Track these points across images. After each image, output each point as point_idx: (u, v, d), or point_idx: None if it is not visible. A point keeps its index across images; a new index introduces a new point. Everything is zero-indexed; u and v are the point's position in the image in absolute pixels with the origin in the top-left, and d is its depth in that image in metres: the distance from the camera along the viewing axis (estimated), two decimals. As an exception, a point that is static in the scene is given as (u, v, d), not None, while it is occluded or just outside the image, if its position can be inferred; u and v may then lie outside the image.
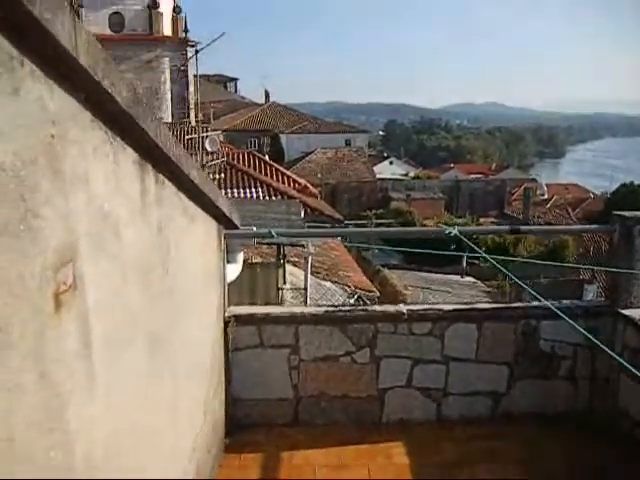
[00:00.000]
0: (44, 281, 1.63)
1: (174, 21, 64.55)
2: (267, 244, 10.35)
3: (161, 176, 2.74)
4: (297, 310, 4.95)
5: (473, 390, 4.99)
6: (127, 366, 2.33)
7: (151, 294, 2.66)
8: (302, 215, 13.39)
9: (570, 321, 3.58)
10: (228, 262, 4.29)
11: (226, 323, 4.53)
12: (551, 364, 4.99)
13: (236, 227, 4.35)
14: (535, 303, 4.98)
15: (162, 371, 2.86)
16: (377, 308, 5.12)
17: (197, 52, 22.30)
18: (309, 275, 10.17)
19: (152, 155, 2.52)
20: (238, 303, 9.25)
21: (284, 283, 12.34)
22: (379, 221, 38.35)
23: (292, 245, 10.69)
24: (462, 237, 4.21)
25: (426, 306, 5.14)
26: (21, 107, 1.51)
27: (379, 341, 4.84)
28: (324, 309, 4.97)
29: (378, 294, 15.64)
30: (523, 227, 5.26)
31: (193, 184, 3.14)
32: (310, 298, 12.96)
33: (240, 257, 4.56)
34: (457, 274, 28.25)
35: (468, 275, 28.25)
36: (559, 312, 3.59)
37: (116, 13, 61.63)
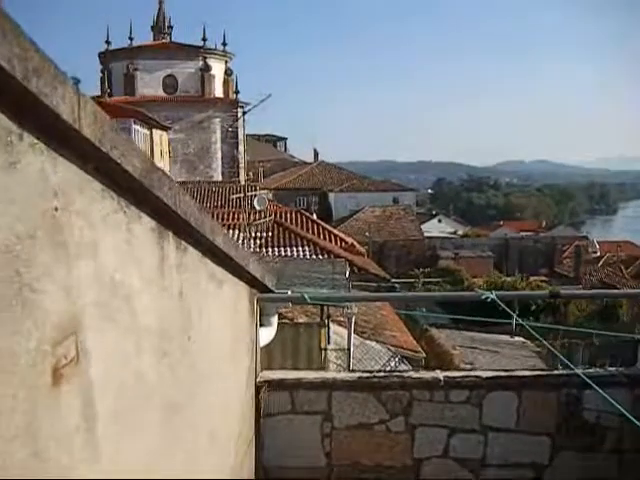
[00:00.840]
0: (40, 355, 1.60)
1: (225, 83, 66.27)
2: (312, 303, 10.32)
3: (183, 242, 2.73)
4: (330, 376, 4.85)
5: (513, 462, 4.77)
6: (139, 437, 2.28)
7: (170, 362, 2.61)
8: (347, 274, 13.31)
9: (603, 393, 3.41)
10: (262, 325, 4.24)
11: (257, 388, 4.45)
12: (595, 436, 4.76)
13: (270, 290, 4.30)
14: (579, 370, 4.77)
15: (179, 440, 2.80)
16: (412, 375, 4.98)
17: (244, 113, 22.84)
18: (352, 335, 10.04)
19: (171, 222, 2.51)
20: (281, 364, 9.22)
21: (328, 343, 12.23)
22: (427, 280, 37.97)
23: (335, 305, 10.60)
24: (499, 302, 4.08)
25: (463, 373, 4.99)
26: (18, 180, 1.50)
27: (414, 409, 4.70)
28: (358, 375, 4.86)
29: (424, 355, 15.40)
30: (564, 291, 5.06)
31: (219, 249, 3.12)
32: (354, 358, 12.82)
33: (274, 320, 4.50)
34: (507, 333, 27.72)
35: (517, 335, 27.69)
36: (590, 381, 3.42)
37: (170, 76, 63.60)
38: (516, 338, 27.19)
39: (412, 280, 37.05)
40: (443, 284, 38.56)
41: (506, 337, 27.30)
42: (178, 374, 2.74)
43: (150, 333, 2.39)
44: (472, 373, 4.92)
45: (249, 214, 19.26)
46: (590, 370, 4.33)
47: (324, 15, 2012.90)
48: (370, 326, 16.32)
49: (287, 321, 14.01)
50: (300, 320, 14.48)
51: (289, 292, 4.53)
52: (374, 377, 4.77)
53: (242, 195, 21.45)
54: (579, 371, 4.22)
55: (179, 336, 2.74)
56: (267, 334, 4.47)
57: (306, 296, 4.02)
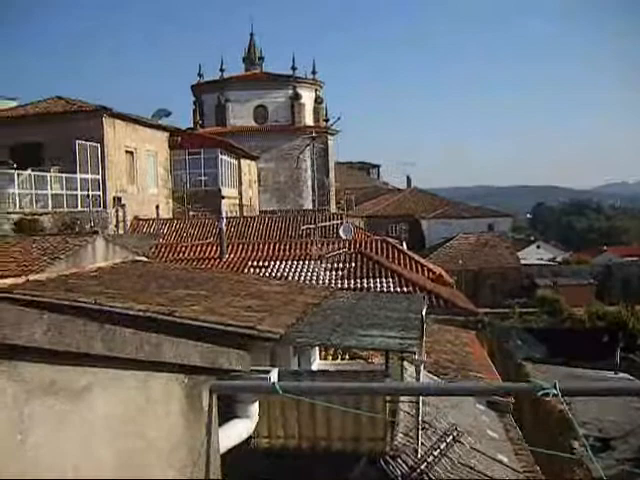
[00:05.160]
0: None
1: (315, 111, 66.30)
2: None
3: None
4: None
5: None
6: None
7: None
8: (424, 312, 12.17)
9: None
10: (237, 417, 3.22)
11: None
12: None
13: (239, 372, 3.16)
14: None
15: None
16: None
17: (313, 139, 21.99)
18: (425, 381, 8.90)
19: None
20: (342, 421, 8.24)
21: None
22: (523, 310, 36.13)
23: (401, 351, 9.50)
24: (562, 400, 2.97)
25: None
26: None
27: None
28: None
29: (512, 400, 13.99)
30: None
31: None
32: (432, 405, 11.63)
33: (254, 409, 3.35)
34: (610, 369, 25.76)
35: (622, 371, 25.69)
36: None
37: (260, 106, 64.19)
38: (620, 374, 25.20)
39: (507, 311, 35.33)
40: (540, 314, 36.67)
41: (609, 373, 25.33)
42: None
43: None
44: None
45: (322, 244, 18.37)
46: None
47: (416, 41, 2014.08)
48: (453, 366, 15.07)
49: (349, 363, 13.04)
50: (374, 360, 13.44)
51: (273, 376, 3.22)
52: None
53: (313, 226, 20.59)
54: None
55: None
56: (240, 430, 3.41)
57: (277, 385, 2.95)
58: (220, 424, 3.09)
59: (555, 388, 2.91)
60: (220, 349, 3.02)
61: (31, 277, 10.56)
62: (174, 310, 8.90)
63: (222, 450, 3.08)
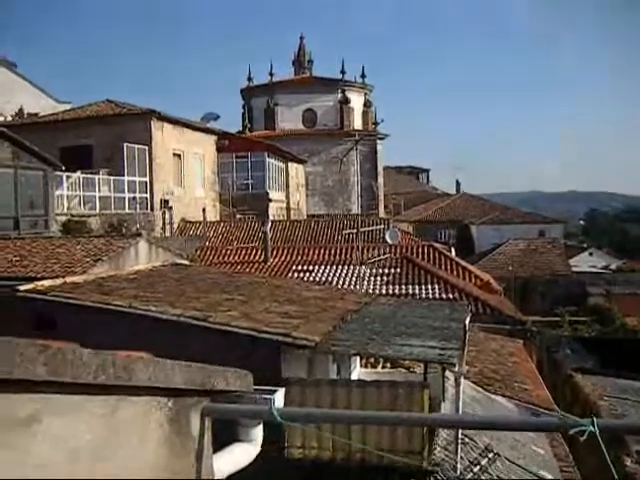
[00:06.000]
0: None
1: (364, 115, 66.05)
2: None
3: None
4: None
5: None
6: None
7: None
8: (467, 321, 11.81)
9: None
10: (239, 440, 2.91)
11: None
12: None
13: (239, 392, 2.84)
14: None
15: None
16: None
17: (357, 142, 21.71)
18: (461, 401, 8.54)
19: None
20: (377, 439, 7.92)
21: (443, 400, 10.76)
22: (573, 319, 35.18)
23: (440, 363, 9.15)
24: (600, 439, 2.56)
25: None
26: None
27: None
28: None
29: (560, 414, 13.49)
30: None
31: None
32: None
33: (257, 433, 2.97)
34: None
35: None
36: None
37: (309, 110, 64.21)
38: (677, 388, 24.24)
39: (557, 319, 34.45)
40: (592, 323, 35.68)
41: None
42: None
43: None
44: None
45: (367, 249, 18.04)
46: None
47: (478, 47, 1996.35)
48: (498, 377, 14.61)
49: (390, 372, 12.69)
50: (416, 369, 13.07)
51: (276, 396, 2.88)
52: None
53: (355, 231, 20.27)
54: None
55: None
56: (239, 456, 3.04)
57: (274, 410, 2.61)
58: (218, 449, 2.81)
59: (593, 425, 2.50)
60: (214, 368, 2.74)
61: (69, 279, 10.54)
62: (209, 315, 8.74)
63: (218, 477, 2.78)
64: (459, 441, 8.80)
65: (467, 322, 11.63)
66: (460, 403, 8.47)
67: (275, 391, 2.89)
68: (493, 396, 13.38)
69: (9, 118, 38.91)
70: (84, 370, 1.80)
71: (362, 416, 3.39)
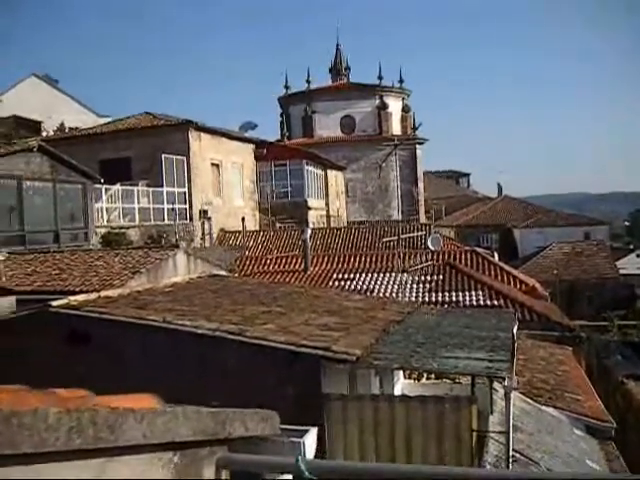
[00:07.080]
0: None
1: (403, 120, 65.49)
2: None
3: None
4: None
5: None
6: None
7: None
8: (515, 329, 11.33)
9: None
10: None
11: None
12: None
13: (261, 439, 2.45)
14: None
15: None
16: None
17: (395, 146, 21.29)
18: (511, 416, 8.08)
19: None
20: (423, 455, 7.52)
21: (491, 413, 10.31)
22: (622, 323, 34.16)
23: (488, 376, 8.71)
24: None
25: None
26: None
27: None
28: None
29: (614, 425, 12.88)
30: None
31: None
32: (524, 432, 10.77)
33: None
34: None
35: None
36: None
37: (347, 116, 63.89)
38: None
39: (605, 324, 33.48)
40: (640, 328, 34.59)
41: None
42: None
43: None
44: None
45: (409, 256, 17.58)
46: None
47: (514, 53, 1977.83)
48: (548, 387, 14.05)
49: (435, 383, 12.25)
50: (462, 380, 12.60)
51: (303, 440, 2.46)
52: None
53: (396, 238, 19.80)
54: None
55: None
56: None
57: (302, 464, 2.22)
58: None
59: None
60: (230, 412, 2.36)
61: (103, 293, 10.33)
62: (245, 330, 8.43)
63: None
64: (510, 457, 8.36)
65: (515, 331, 11.16)
66: (510, 419, 8.01)
67: (306, 431, 2.51)
68: (543, 407, 12.84)
69: (51, 133, 39.33)
70: (51, 435, 1.44)
71: (403, 470, 2.96)
